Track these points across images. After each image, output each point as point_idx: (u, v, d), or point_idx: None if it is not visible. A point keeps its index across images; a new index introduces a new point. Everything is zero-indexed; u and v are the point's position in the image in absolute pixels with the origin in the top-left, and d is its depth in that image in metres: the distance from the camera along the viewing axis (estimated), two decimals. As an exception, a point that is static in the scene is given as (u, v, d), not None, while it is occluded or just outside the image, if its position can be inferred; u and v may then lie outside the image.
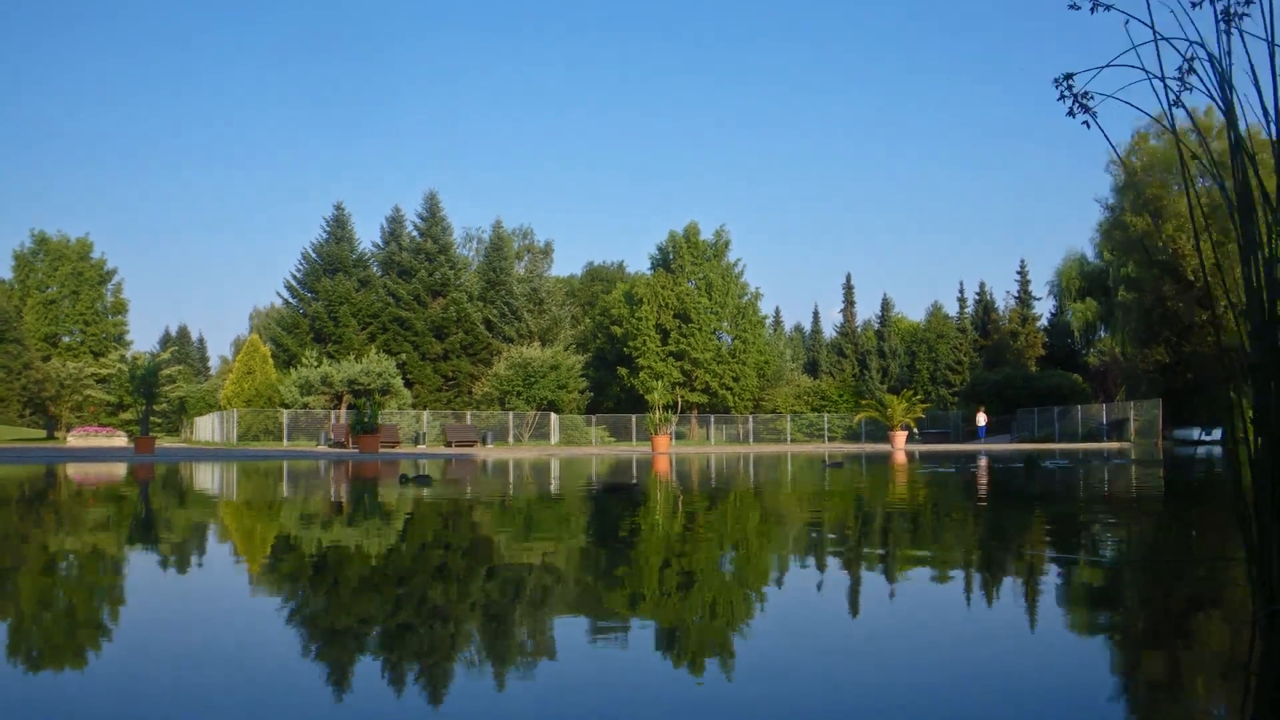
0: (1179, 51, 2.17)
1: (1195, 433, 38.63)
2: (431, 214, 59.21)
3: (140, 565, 3.74)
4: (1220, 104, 2.12)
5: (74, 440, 43.91)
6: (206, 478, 11.29)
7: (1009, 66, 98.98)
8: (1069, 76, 2.26)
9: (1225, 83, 2.11)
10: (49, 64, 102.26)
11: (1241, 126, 2.13)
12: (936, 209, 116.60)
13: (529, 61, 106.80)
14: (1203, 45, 2.14)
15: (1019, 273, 64.46)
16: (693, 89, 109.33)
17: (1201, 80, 2.16)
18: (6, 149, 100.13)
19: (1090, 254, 59.30)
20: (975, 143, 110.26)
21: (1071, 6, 2.23)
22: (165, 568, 3.64)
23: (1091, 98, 2.27)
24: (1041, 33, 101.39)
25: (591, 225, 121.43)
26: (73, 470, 13.40)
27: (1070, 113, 2.26)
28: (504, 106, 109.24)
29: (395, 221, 59.42)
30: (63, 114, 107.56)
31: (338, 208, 57.99)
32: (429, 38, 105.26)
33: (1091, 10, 2.22)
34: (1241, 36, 2.11)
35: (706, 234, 58.79)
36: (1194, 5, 2.14)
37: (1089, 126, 2.29)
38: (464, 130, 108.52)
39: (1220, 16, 2.10)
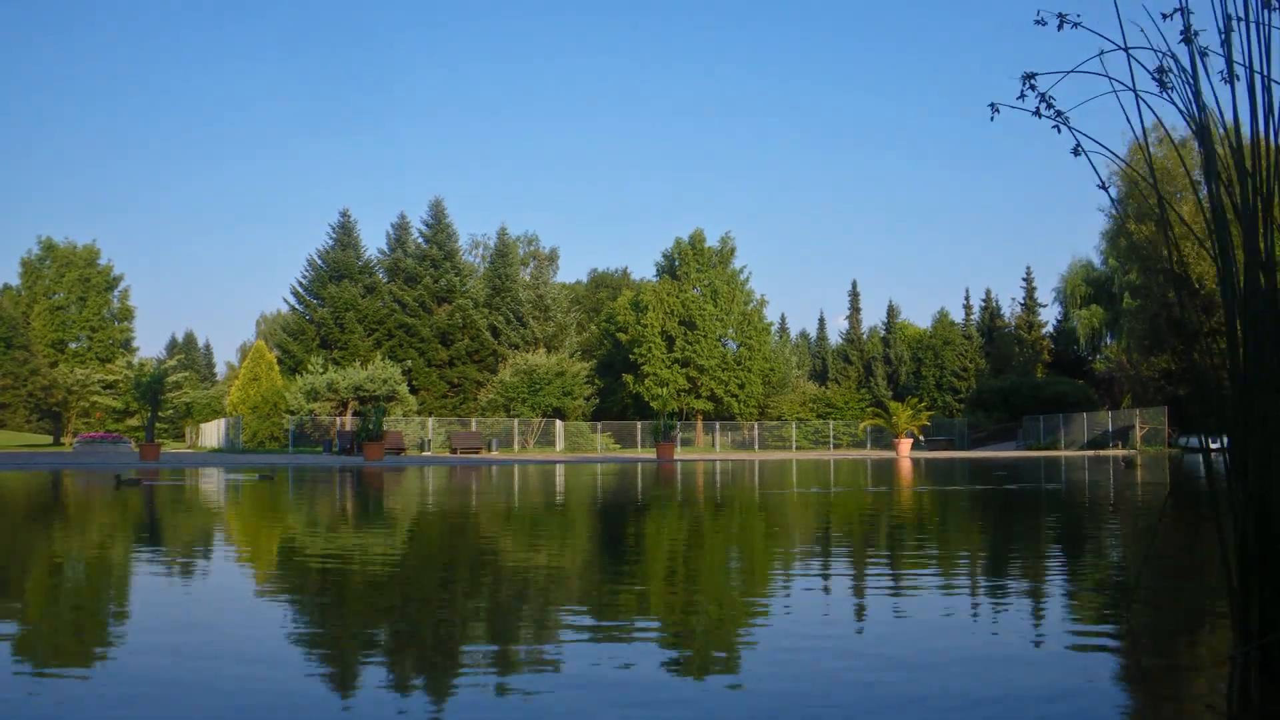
0: (1146, 68, 2.19)
1: (1196, 440, 38.46)
2: (437, 221, 59.38)
3: (143, 573, 3.76)
4: (1194, 123, 2.14)
5: (79, 446, 44.02)
6: (210, 484, 11.32)
7: (1013, 71, 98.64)
8: (1031, 76, 2.27)
9: (1198, 100, 2.12)
10: (53, 69, 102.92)
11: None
12: (943, 216, 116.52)
13: (534, 68, 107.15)
14: (1175, 59, 2.15)
15: (1025, 279, 64.48)
16: (699, 95, 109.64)
17: (1177, 96, 2.16)
18: (13, 155, 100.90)
19: (1096, 261, 59.32)
20: (981, 149, 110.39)
21: (1038, 22, 2.23)
22: (170, 575, 3.66)
23: (1053, 102, 2.28)
24: (1045, 35, 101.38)
25: (597, 232, 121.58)
26: (77, 476, 13.45)
27: (1036, 112, 2.27)
28: (510, 113, 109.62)
29: (401, 228, 59.63)
30: (68, 120, 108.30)
31: (344, 214, 58.29)
32: (434, 44, 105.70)
33: (1059, 27, 2.23)
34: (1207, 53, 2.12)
35: (712, 240, 58.90)
36: (1165, 17, 2.14)
37: (1059, 131, 2.29)
38: (469, 137, 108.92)
39: (1183, 35, 2.11)
